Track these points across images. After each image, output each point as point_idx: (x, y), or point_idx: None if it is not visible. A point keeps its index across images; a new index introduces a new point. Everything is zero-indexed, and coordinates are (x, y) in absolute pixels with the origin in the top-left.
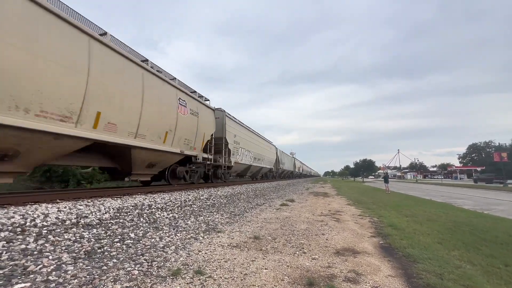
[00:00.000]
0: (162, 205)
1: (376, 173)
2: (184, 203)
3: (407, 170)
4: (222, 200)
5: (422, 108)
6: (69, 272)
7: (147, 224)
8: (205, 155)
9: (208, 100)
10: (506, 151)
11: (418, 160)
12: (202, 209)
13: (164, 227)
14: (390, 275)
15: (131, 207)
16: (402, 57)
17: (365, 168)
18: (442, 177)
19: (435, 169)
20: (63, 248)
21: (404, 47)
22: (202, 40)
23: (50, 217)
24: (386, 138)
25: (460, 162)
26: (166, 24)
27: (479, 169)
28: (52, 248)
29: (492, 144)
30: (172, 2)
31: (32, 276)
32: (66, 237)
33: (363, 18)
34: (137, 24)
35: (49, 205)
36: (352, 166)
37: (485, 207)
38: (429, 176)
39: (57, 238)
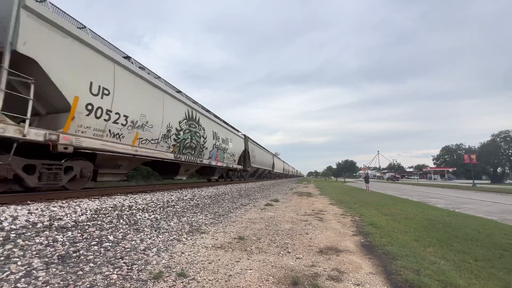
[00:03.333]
0: (143, 206)
1: (357, 174)
2: (167, 203)
3: (386, 171)
4: (206, 200)
5: (402, 111)
6: (40, 278)
7: (127, 226)
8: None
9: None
10: (475, 153)
11: (396, 161)
12: (185, 210)
13: (145, 228)
14: (371, 272)
15: (110, 208)
16: (385, 61)
17: (347, 168)
18: (418, 177)
19: (411, 170)
20: (34, 252)
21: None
22: (189, 37)
23: (19, 220)
24: (368, 139)
25: (434, 164)
26: (151, 18)
27: (451, 170)
28: (22, 253)
29: (463, 146)
30: None
31: None
32: (37, 241)
33: (350, 23)
34: (120, 17)
35: (18, 207)
36: (334, 166)
37: (456, 206)
38: (406, 176)
39: (27, 242)
